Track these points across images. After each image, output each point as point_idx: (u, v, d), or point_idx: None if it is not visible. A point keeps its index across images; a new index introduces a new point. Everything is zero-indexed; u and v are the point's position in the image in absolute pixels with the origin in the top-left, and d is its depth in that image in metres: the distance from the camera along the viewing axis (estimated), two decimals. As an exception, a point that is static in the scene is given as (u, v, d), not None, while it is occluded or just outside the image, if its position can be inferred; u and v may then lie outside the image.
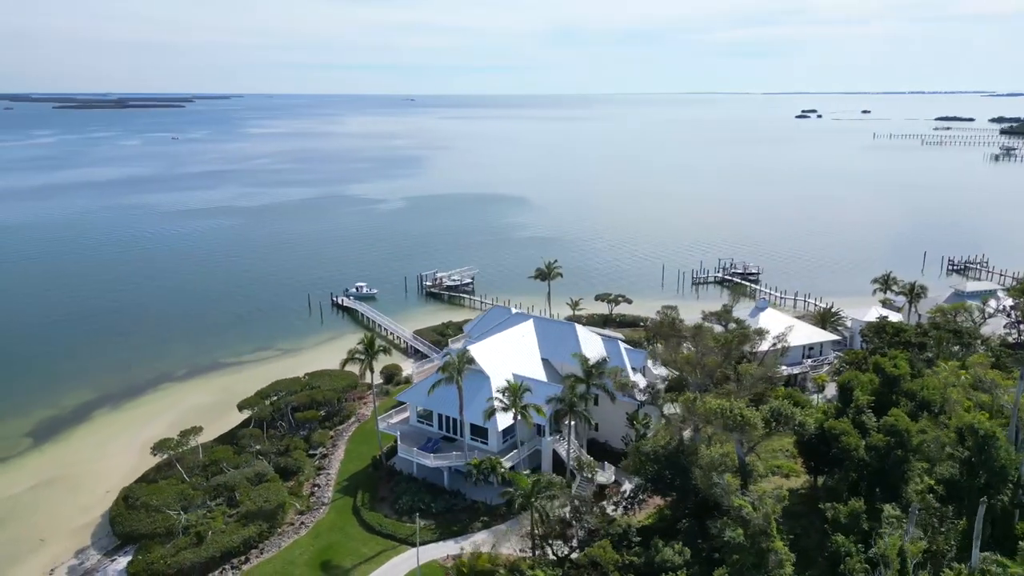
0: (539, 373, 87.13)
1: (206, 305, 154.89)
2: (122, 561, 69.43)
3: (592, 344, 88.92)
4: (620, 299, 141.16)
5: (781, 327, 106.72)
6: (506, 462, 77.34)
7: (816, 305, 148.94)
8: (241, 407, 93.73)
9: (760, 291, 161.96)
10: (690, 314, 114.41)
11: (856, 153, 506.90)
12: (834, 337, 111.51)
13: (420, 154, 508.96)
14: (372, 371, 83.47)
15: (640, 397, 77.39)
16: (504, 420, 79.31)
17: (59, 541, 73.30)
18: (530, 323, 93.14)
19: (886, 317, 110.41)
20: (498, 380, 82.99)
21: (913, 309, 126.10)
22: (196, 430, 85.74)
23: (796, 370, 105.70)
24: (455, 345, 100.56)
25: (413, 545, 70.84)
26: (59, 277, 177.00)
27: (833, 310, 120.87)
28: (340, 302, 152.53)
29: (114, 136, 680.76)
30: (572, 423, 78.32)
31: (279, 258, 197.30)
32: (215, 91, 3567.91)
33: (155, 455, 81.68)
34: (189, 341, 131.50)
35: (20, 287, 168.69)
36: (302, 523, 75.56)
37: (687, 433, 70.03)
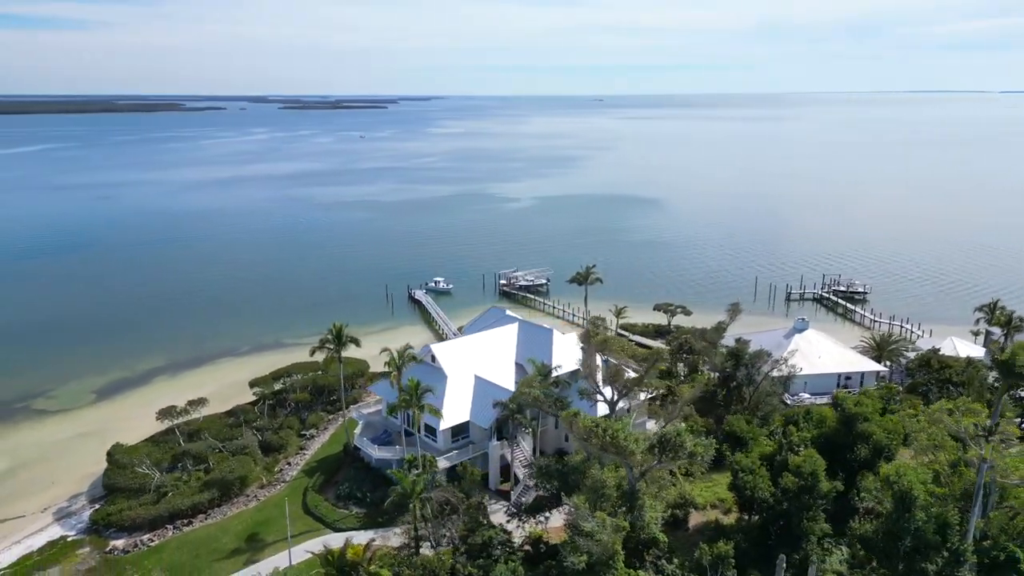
0: (508, 376, 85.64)
1: (297, 288, 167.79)
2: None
3: (568, 352, 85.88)
4: (679, 310, 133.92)
5: (815, 351, 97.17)
6: (444, 461, 77.56)
7: (910, 331, 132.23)
8: (252, 384, 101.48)
9: (857, 312, 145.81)
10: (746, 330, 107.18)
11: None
12: (877, 368, 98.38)
13: (578, 154, 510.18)
14: (340, 360, 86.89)
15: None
16: (451, 420, 79.50)
17: (65, 485, 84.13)
18: (514, 326, 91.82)
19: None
20: (457, 380, 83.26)
21: (1009, 343, 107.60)
22: (202, 401, 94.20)
23: (823, 400, 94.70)
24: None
25: (335, 530, 73.55)
26: (199, 257, 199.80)
27: (894, 338, 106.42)
28: (413, 295, 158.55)
29: (313, 134, 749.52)
30: (514, 428, 76.66)
31: (384, 249, 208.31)
32: (419, 93, 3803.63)
33: (159, 420, 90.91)
34: (264, 320, 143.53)
35: (166, 264, 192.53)
36: (256, 496, 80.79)
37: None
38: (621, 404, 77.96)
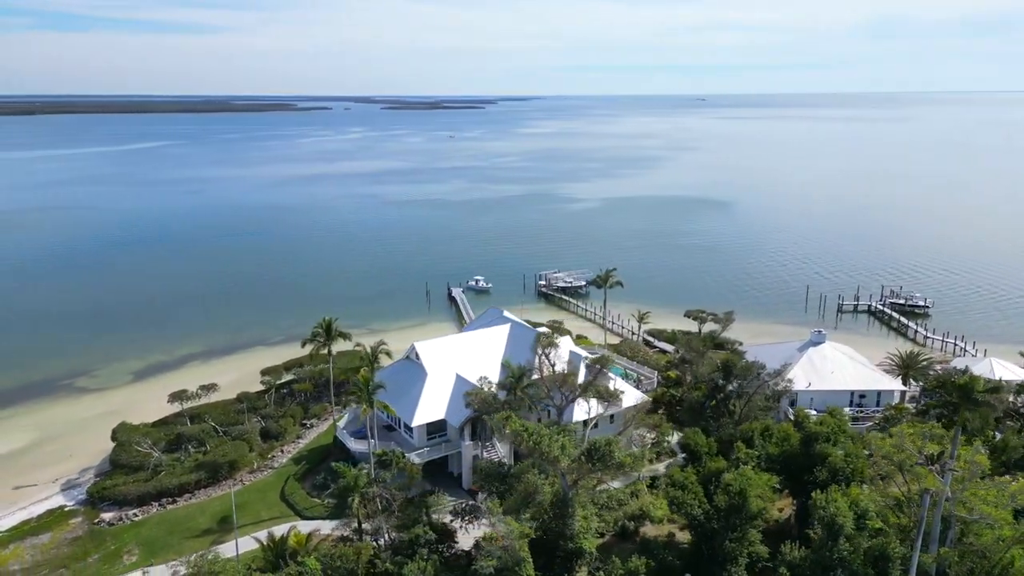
0: (492, 377, 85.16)
1: (346, 282, 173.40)
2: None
3: (556, 355, 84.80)
4: (710, 317, 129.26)
5: (828, 366, 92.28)
6: (416, 457, 78.28)
7: (963, 349, 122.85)
8: (263, 373, 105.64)
9: (911, 327, 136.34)
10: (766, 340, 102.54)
11: None
12: (896, 387, 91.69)
13: (661, 154, 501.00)
14: (331, 353, 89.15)
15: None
16: (425, 416, 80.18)
17: (80, 459, 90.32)
18: (506, 327, 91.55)
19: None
20: (437, 378, 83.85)
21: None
22: (213, 386, 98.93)
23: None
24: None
25: (304, 518, 75.71)
26: (263, 249, 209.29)
27: (922, 356, 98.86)
28: (452, 293, 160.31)
29: (406, 134, 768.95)
30: (481, 429, 76.41)
31: (436, 247, 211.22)
32: (518, 94, 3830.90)
33: (169, 403, 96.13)
34: (306, 311, 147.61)
35: (233, 256, 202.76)
36: (243, 480, 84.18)
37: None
38: (602, 411, 76.84)
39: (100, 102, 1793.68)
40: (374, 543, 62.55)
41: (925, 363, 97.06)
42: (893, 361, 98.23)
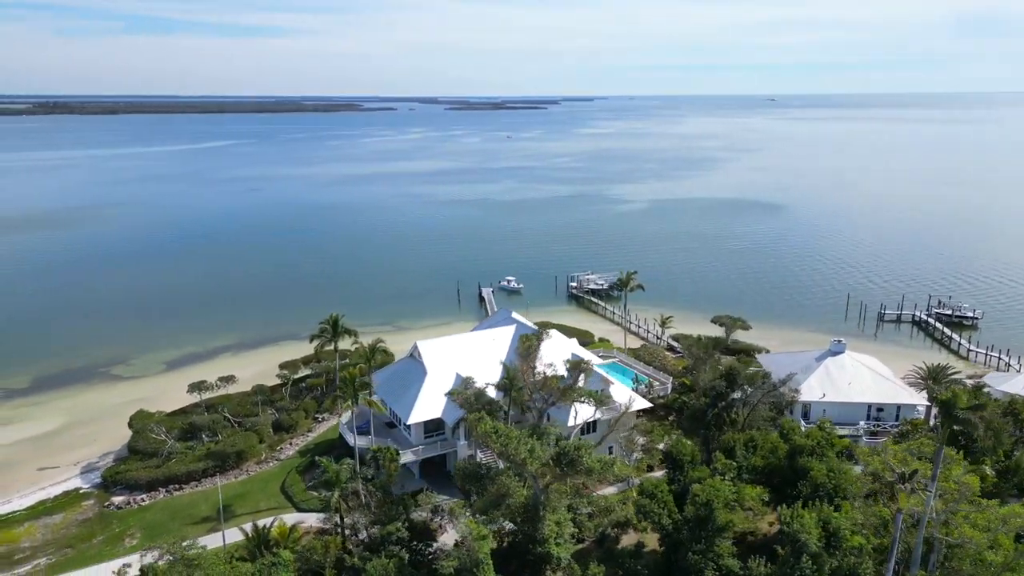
0: (493, 377, 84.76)
1: (383, 279, 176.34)
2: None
3: (558, 357, 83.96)
4: (737, 323, 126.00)
5: (846, 377, 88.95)
6: (410, 454, 78.85)
7: (1007, 364, 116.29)
8: (281, 367, 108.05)
9: (955, 339, 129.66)
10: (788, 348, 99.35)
11: None
12: (917, 401, 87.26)
13: (719, 156, 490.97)
14: (336, 348, 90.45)
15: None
16: (422, 415, 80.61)
17: (102, 444, 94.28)
18: (511, 328, 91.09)
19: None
20: (437, 377, 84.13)
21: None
22: (231, 378, 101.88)
23: (845, 431, 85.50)
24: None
25: (299, 510, 77.13)
26: (308, 246, 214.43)
27: (952, 371, 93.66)
28: (481, 293, 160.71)
29: (465, 134, 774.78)
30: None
31: (475, 246, 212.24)
32: (582, 94, 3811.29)
33: (189, 393, 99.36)
34: (340, 308, 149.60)
35: (279, 252, 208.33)
36: (248, 470, 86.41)
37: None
38: (593, 415, 75.77)
39: (180, 102, 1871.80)
40: (354, 537, 63.30)
41: (954, 376, 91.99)
42: (919, 374, 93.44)
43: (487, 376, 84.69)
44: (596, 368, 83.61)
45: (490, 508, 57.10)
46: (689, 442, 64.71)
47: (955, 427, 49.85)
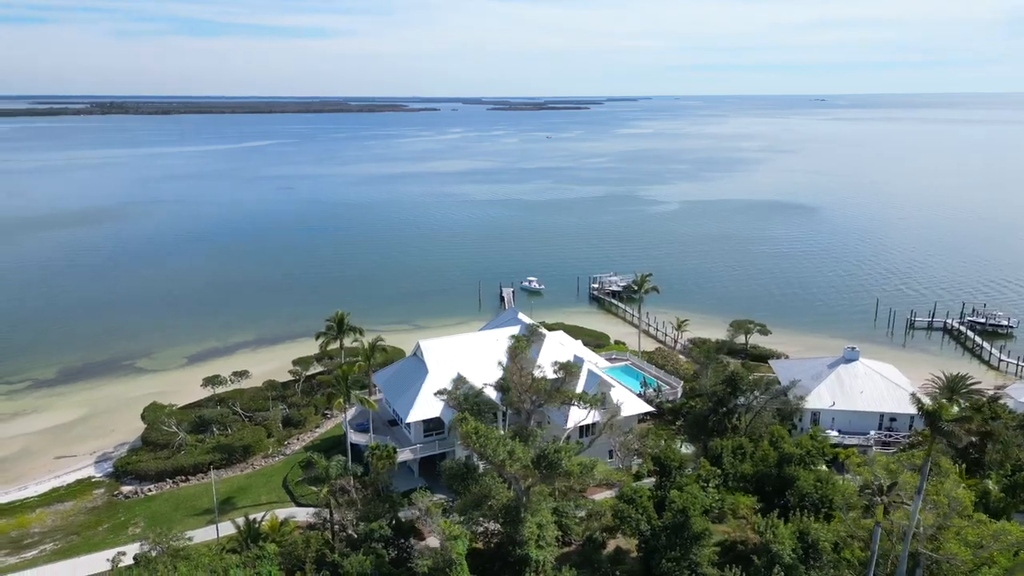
0: (495, 376, 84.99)
1: (405, 277, 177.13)
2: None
3: (558, 358, 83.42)
4: (755, 328, 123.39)
5: (859, 385, 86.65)
6: (408, 452, 79.11)
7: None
8: (294, 363, 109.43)
9: (991, 351, 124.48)
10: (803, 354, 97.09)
11: None
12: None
13: (755, 156, 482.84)
14: (342, 346, 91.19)
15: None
16: (421, 413, 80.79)
17: (119, 435, 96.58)
18: (516, 329, 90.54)
19: None
20: (438, 376, 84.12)
21: None
22: (244, 373, 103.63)
23: (853, 440, 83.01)
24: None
25: (298, 504, 78.05)
26: (334, 243, 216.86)
27: (971, 380, 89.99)
28: (502, 293, 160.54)
29: (504, 135, 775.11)
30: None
31: (499, 246, 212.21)
32: (625, 94, 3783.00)
33: (203, 387, 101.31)
34: (361, 305, 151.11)
35: (305, 249, 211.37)
36: (253, 464, 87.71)
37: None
38: (593, 418, 75.02)
39: (228, 102, 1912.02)
40: (343, 533, 63.72)
41: (975, 387, 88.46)
42: (936, 384, 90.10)
43: (487, 376, 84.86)
44: (595, 370, 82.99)
45: (471, 508, 56.87)
46: (681, 448, 63.55)
47: (941, 439, 47.80)
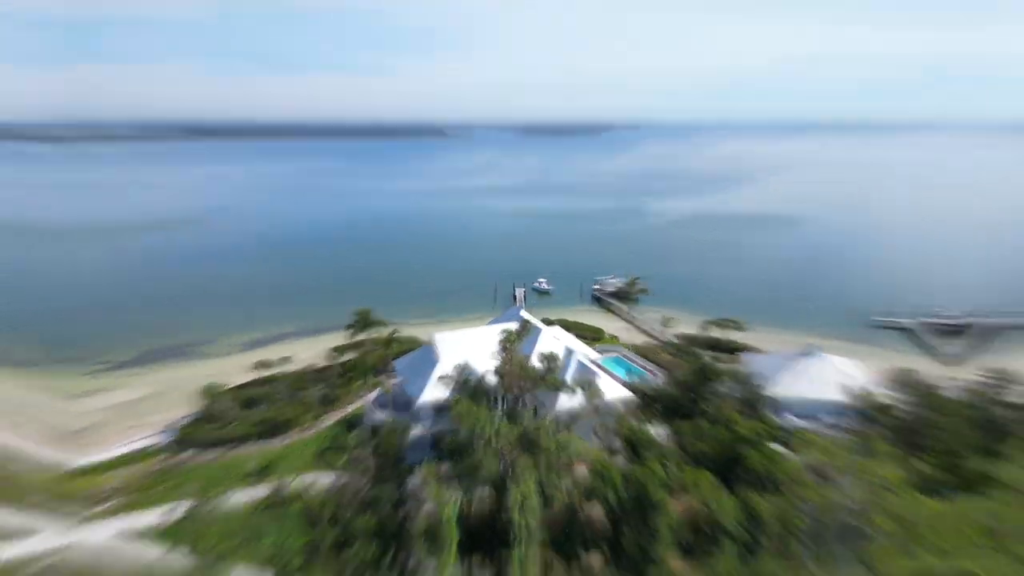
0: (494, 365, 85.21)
1: (432, 277, 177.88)
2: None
3: (550, 349, 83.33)
4: (731, 325, 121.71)
5: (817, 377, 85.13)
6: (419, 429, 79.57)
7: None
8: (332, 350, 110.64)
9: (946, 350, 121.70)
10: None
11: None
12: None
13: (759, 176, 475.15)
14: (367, 337, 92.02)
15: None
16: (432, 396, 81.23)
17: (183, 409, 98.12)
18: (515, 324, 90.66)
19: None
20: (449, 363, 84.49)
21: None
22: (288, 359, 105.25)
23: (805, 424, 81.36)
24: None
25: (328, 471, 78.95)
26: (377, 248, 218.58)
27: (917, 374, 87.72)
28: (514, 292, 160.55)
29: (526, 155, 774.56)
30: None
31: (520, 250, 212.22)
32: (638, 119, 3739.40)
33: (253, 370, 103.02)
34: (396, 300, 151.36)
35: (354, 252, 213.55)
36: (291, 436, 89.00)
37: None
38: (577, 402, 74.71)
39: (301, 128, 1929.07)
40: (356, 496, 64.35)
41: (918, 379, 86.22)
42: (890, 376, 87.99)
43: (491, 365, 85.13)
44: (584, 360, 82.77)
45: (463, 476, 57.12)
46: (651, 430, 63.20)
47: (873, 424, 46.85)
